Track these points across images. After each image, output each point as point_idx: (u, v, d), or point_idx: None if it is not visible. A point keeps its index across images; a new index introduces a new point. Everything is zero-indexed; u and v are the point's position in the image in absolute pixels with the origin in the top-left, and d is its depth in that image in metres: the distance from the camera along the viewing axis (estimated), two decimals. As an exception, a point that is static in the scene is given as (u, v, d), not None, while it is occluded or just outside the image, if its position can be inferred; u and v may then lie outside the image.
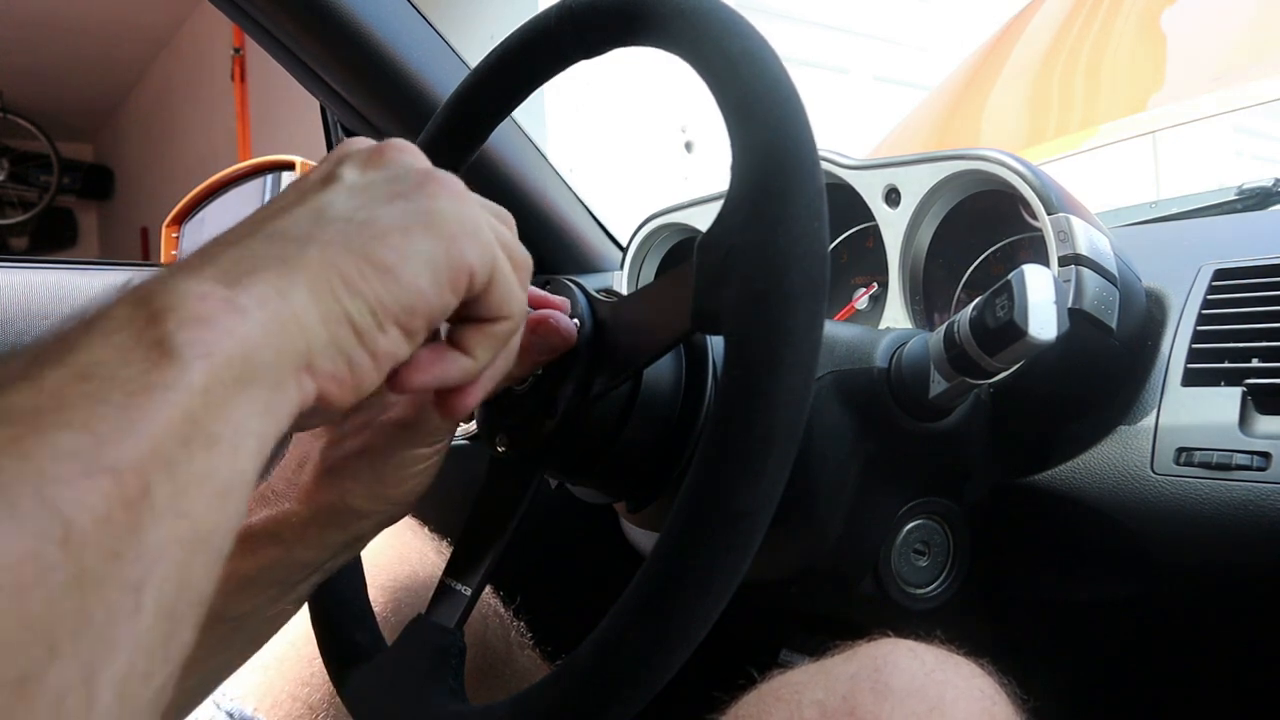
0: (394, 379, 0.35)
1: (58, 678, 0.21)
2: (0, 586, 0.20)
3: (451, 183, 0.35)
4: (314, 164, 1.20)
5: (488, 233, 0.35)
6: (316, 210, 0.32)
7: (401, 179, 0.35)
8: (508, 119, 0.59)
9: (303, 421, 0.31)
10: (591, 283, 0.52)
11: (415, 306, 0.32)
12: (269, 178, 1.21)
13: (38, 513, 0.21)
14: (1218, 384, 0.60)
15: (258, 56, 3.94)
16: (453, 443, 0.49)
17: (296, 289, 0.29)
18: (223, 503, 0.26)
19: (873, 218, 0.78)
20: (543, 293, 0.49)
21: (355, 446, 0.45)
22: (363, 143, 0.37)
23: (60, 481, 0.22)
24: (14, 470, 0.22)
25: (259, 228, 0.31)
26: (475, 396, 0.39)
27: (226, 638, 0.46)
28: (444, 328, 0.38)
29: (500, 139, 0.87)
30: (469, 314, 0.37)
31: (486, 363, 0.38)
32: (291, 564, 0.45)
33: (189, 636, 0.25)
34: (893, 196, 0.77)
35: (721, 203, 0.39)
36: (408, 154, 0.37)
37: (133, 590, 0.23)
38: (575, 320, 0.47)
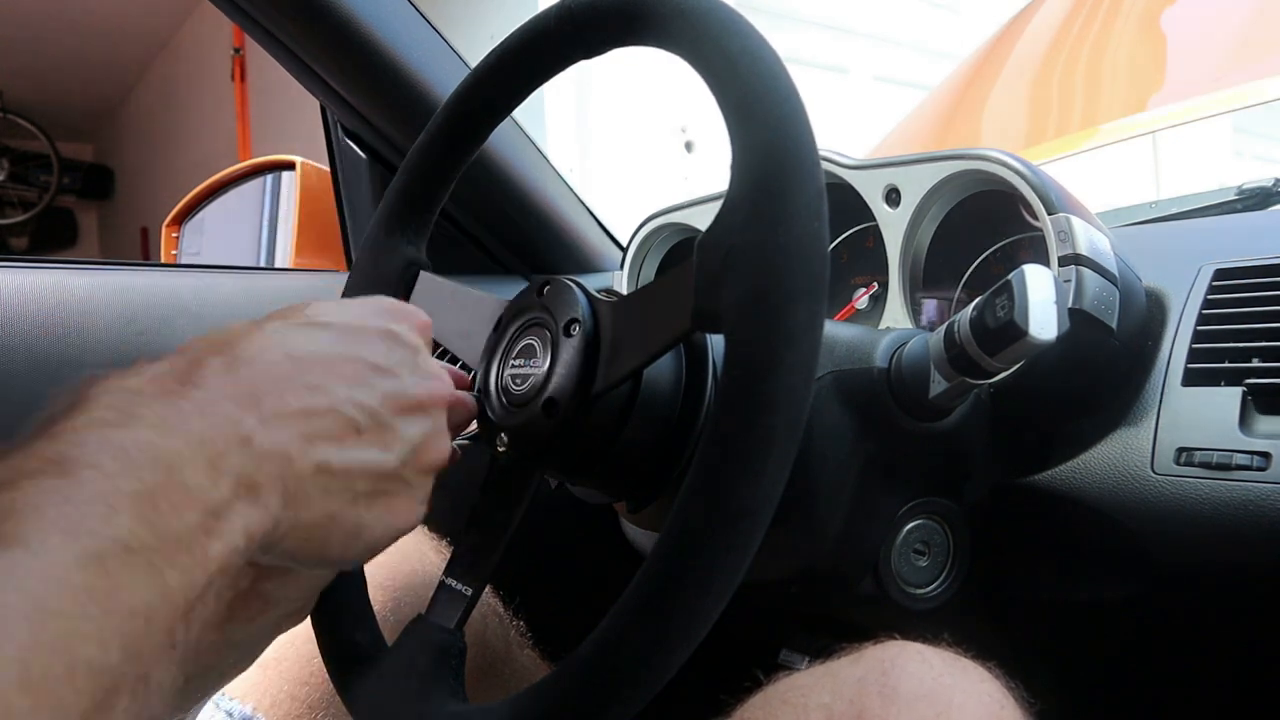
0: None
1: None
2: None
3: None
4: (314, 164, 1.20)
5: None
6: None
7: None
8: (508, 119, 0.59)
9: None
10: (591, 283, 0.52)
11: None
12: (269, 178, 1.21)
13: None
14: (1218, 384, 0.60)
15: (258, 56, 3.94)
16: (453, 443, 0.49)
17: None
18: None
19: (873, 218, 0.78)
20: (448, 366, 0.51)
21: None
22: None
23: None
24: None
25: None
26: None
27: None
28: None
29: (500, 139, 0.87)
30: None
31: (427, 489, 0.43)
32: (190, 669, 0.45)
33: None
34: (893, 196, 0.77)
35: (721, 203, 0.39)
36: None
37: None
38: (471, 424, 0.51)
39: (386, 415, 0.40)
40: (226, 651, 0.46)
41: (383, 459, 0.39)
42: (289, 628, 0.49)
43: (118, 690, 0.26)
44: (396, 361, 0.42)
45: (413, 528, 0.42)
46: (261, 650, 0.48)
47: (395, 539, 0.41)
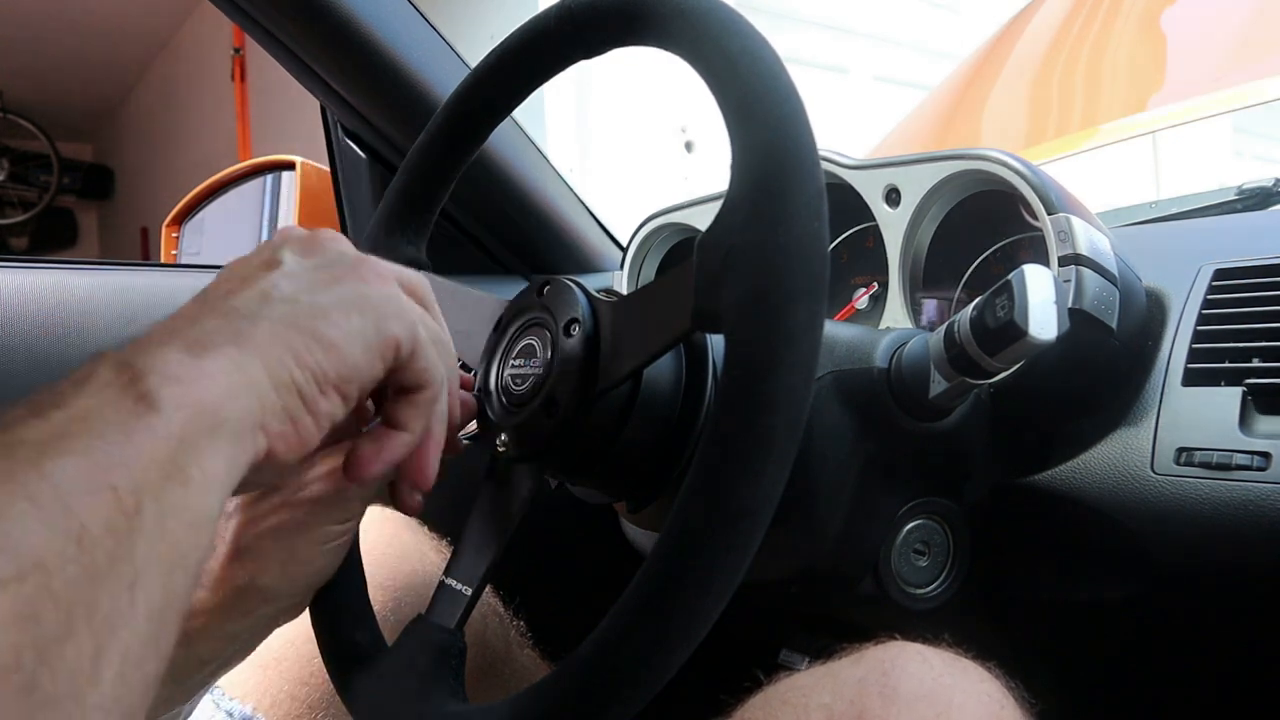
0: (352, 471, 0.41)
1: (74, 650, 0.25)
2: (31, 567, 0.24)
3: (378, 266, 0.41)
4: (314, 164, 1.20)
5: (410, 311, 0.41)
6: (263, 292, 0.37)
7: (335, 264, 0.40)
8: (508, 119, 0.59)
9: (254, 476, 0.34)
10: (591, 283, 0.52)
11: (351, 376, 0.37)
12: (269, 178, 1.21)
13: (58, 514, 0.26)
14: (1218, 384, 0.60)
15: (258, 56, 3.94)
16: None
17: (252, 361, 0.34)
18: (194, 533, 0.30)
19: (873, 218, 0.78)
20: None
21: (271, 525, 0.47)
22: (298, 231, 0.42)
23: (74, 493, 0.26)
24: (34, 482, 0.26)
25: (214, 305, 0.36)
26: (381, 464, 0.42)
27: None
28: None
29: (500, 139, 0.87)
30: (397, 384, 0.41)
31: (421, 432, 0.42)
32: (189, 660, 0.46)
33: (170, 641, 0.29)
34: (893, 196, 0.77)
35: (721, 203, 0.39)
36: (340, 242, 0.42)
37: (128, 589, 0.27)
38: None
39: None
40: (225, 644, 0.47)
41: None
42: (285, 622, 0.50)
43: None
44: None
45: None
46: (259, 642, 0.50)
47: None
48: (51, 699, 0.24)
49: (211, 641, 0.46)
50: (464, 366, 0.56)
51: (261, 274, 0.38)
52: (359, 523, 0.50)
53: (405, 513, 0.48)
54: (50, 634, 0.24)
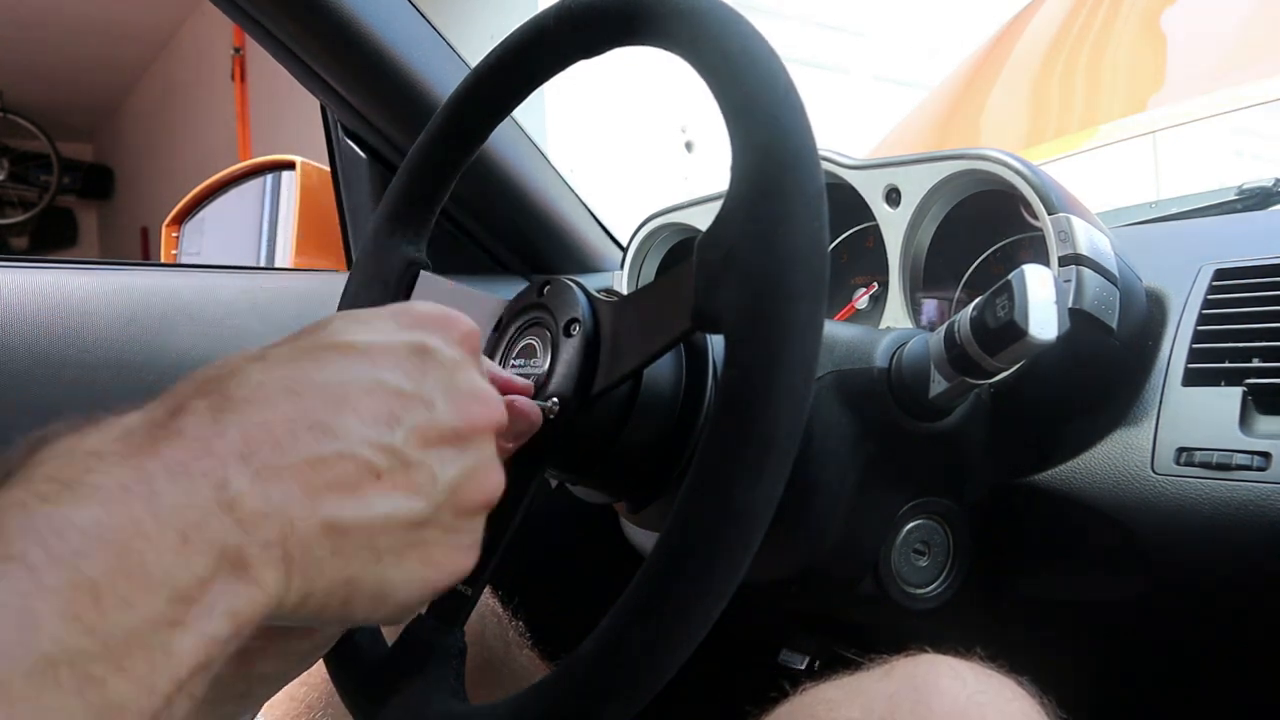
0: None
1: None
2: None
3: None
4: (314, 164, 1.20)
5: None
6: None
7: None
8: (508, 119, 0.59)
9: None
10: (591, 283, 0.52)
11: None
12: (269, 177, 1.21)
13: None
14: (1218, 384, 0.60)
15: (258, 56, 3.94)
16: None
17: None
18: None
19: (873, 218, 0.78)
20: (506, 375, 0.48)
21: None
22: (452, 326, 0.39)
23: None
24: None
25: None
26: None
27: None
28: None
29: (500, 139, 0.87)
30: None
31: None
32: (252, 678, 0.41)
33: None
34: (893, 196, 0.77)
35: (721, 202, 0.39)
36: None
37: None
38: (552, 401, 0.47)
39: (414, 452, 0.33)
40: (255, 684, 0.42)
41: (411, 506, 0.33)
42: (319, 658, 0.45)
43: None
44: (430, 384, 0.35)
45: (460, 578, 0.36)
46: (294, 677, 0.45)
47: (436, 594, 0.35)
48: None
49: (273, 661, 0.42)
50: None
51: (411, 369, 0.35)
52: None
53: None
54: None
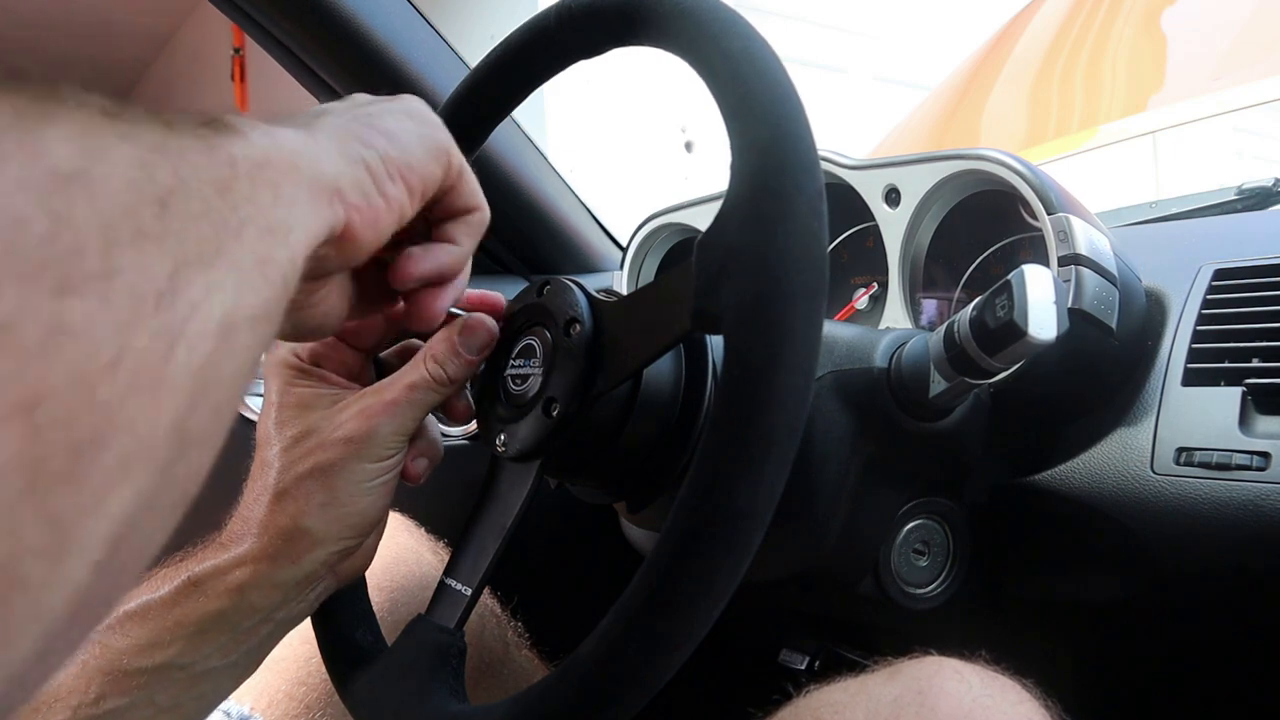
0: (396, 273, 0.43)
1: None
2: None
3: (421, 103, 0.43)
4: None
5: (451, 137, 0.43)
6: (319, 110, 0.38)
7: (380, 100, 0.42)
8: (508, 119, 0.59)
9: (331, 253, 0.35)
10: (591, 283, 0.52)
11: (414, 165, 0.39)
12: (269, 178, 1.21)
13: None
14: (1218, 384, 0.60)
15: (258, 56, 3.94)
16: (453, 443, 0.49)
17: (322, 135, 0.35)
18: (264, 271, 0.27)
19: (873, 218, 0.78)
20: (481, 291, 0.52)
21: (308, 466, 0.46)
22: None
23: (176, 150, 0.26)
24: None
25: (273, 118, 0.35)
26: (445, 301, 0.45)
27: (183, 688, 0.46)
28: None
29: (500, 139, 0.87)
30: (449, 208, 0.44)
31: (470, 250, 0.45)
32: (243, 608, 0.46)
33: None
34: (893, 196, 0.77)
35: (721, 203, 0.39)
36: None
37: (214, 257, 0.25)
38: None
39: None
40: (276, 593, 0.47)
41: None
42: (340, 572, 0.50)
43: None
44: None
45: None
46: (313, 597, 0.49)
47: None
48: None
49: (264, 589, 0.46)
50: None
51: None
52: (398, 465, 0.48)
53: (409, 481, 0.49)
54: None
